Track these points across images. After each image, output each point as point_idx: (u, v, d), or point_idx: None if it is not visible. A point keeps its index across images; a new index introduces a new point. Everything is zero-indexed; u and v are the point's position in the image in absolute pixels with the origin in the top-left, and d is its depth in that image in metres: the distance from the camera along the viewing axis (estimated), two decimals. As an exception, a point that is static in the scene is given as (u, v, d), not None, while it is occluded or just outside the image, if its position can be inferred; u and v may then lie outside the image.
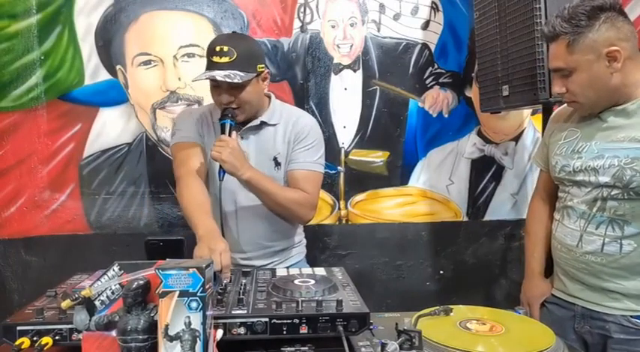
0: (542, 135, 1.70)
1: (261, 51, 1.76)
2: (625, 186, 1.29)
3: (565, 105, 1.57)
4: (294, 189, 1.70)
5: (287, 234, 1.80)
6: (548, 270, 1.60)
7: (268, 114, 1.73)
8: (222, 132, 1.63)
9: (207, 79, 1.60)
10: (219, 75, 1.56)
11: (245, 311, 1.06)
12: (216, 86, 1.64)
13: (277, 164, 1.71)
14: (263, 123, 1.72)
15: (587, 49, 1.29)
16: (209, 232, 1.44)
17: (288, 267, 1.60)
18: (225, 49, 1.59)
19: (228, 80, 1.56)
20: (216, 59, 1.59)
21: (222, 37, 1.72)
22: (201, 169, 1.68)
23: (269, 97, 1.78)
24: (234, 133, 1.65)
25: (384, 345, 1.00)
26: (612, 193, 1.32)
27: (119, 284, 0.92)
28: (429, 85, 2.51)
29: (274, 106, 1.76)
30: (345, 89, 2.45)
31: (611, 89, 1.32)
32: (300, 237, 1.88)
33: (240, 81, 1.58)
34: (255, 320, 1.04)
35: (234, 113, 1.65)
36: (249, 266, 1.63)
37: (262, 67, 1.67)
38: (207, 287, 0.86)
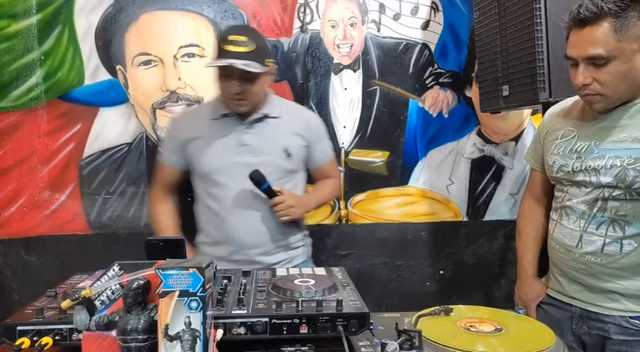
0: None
1: (269, 46, 1.84)
2: (627, 187, 1.28)
3: (560, 103, 1.55)
4: (329, 182, 1.94)
5: (292, 230, 1.87)
6: (542, 270, 1.59)
7: (269, 108, 1.80)
8: (270, 196, 1.71)
9: (226, 65, 1.61)
10: (238, 63, 1.59)
11: (245, 311, 1.06)
12: (226, 76, 1.66)
13: (289, 155, 1.80)
14: (265, 116, 1.78)
15: (634, 36, 1.20)
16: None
17: (298, 266, 1.78)
18: (242, 39, 1.63)
19: (249, 69, 1.60)
20: (231, 48, 1.61)
21: (237, 28, 1.80)
22: (173, 190, 1.91)
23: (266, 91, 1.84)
24: (279, 188, 1.73)
25: (384, 345, 1.00)
26: (614, 194, 1.31)
27: (119, 284, 0.92)
28: (429, 85, 2.51)
29: (273, 100, 1.84)
30: (345, 89, 2.45)
31: (637, 85, 1.26)
32: (303, 235, 1.94)
33: (259, 71, 1.63)
34: (255, 320, 1.04)
35: (261, 175, 1.69)
36: (260, 264, 1.75)
37: (271, 62, 1.74)
38: (207, 287, 0.86)
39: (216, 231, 1.81)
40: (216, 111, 1.79)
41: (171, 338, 0.83)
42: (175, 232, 1.83)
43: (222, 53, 1.64)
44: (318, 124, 1.93)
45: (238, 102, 1.71)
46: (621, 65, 1.23)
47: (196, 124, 1.82)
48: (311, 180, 1.99)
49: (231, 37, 1.63)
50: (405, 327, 1.06)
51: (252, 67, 1.61)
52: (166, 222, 1.88)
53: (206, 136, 1.78)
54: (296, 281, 1.24)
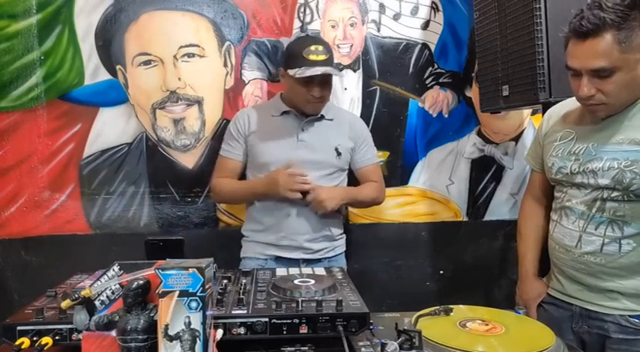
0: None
1: None
2: (625, 189, 1.28)
3: (559, 104, 1.55)
4: (369, 185, 2.03)
5: (335, 223, 2.04)
6: (543, 270, 1.59)
7: (325, 110, 1.98)
8: (303, 195, 1.84)
9: (322, 73, 1.78)
10: (328, 70, 1.80)
11: (245, 311, 1.06)
12: (309, 82, 1.82)
13: (338, 153, 1.96)
14: (322, 117, 1.97)
15: (638, 46, 1.18)
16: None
17: (336, 256, 2.01)
18: (320, 48, 1.82)
19: (339, 75, 1.90)
20: (313, 57, 1.80)
21: (311, 38, 2.03)
22: (234, 178, 2.03)
23: None
24: (310, 186, 1.85)
25: (384, 345, 1.00)
26: (612, 195, 1.31)
27: (119, 284, 0.92)
28: (429, 85, 2.51)
29: (328, 105, 2.02)
30: (345, 89, 2.45)
31: (638, 90, 1.26)
32: (342, 229, 2.10)
33: (341, 75, 1.94)
34: (255, 320, 1.04)
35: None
36: (306, 250, 1.93)
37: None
38: (207, 287, 0.86)
39: (268, 218, 1.96)
40: (278, 108, 1.97)
41: (171, 338, 0.83)
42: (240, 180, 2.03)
43: (307, 63, 1.79)
44: (364, 128, 2.09)
45: (317, 105, 1.91)
46: (625, 75, 1.22)
47: (258, 119, 1.98)
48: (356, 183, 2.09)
49: (313, 47, 1.80)
50: (405, 327, 1.06)
51: (338, 73, 1.84)
52: (231, 182, 2.01)
53: (266, 130, 1.95)
54: (296, 281, 1.24)
